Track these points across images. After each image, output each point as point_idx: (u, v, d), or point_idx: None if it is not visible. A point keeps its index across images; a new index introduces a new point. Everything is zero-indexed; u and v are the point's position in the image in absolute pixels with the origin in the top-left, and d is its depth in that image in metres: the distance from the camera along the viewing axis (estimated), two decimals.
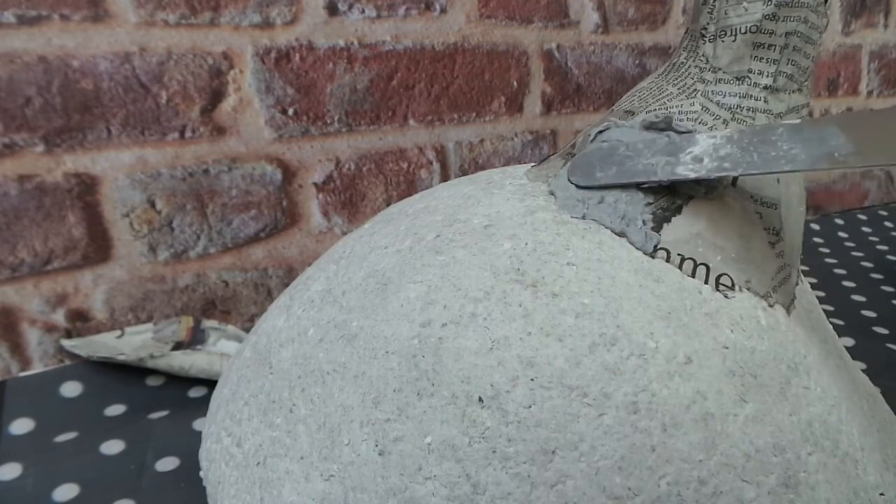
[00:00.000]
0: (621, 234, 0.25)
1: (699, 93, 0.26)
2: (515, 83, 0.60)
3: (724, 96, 0.25)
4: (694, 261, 0.24)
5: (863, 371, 0.40)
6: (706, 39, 0.26)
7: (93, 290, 0.47)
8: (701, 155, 0.23)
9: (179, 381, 0.42)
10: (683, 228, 0.24)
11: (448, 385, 0.22)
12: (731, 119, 0.25)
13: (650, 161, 0.24)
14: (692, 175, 0.23)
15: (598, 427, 0.21)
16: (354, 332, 0.25)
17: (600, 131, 0.27)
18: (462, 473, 0.21)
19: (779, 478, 0.21)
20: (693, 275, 0.24)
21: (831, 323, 0.45)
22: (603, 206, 0.25)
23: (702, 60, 0.26)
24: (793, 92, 0.26)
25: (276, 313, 0.30)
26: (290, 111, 0.51)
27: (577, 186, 0.26)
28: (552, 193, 0.27)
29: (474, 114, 0.59)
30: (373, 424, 0.22)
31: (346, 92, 0.53)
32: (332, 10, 0.51)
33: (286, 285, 0.54)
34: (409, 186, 0.58)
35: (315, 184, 0.53)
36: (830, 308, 0.51)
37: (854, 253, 0.63)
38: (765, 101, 0.25)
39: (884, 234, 0.69)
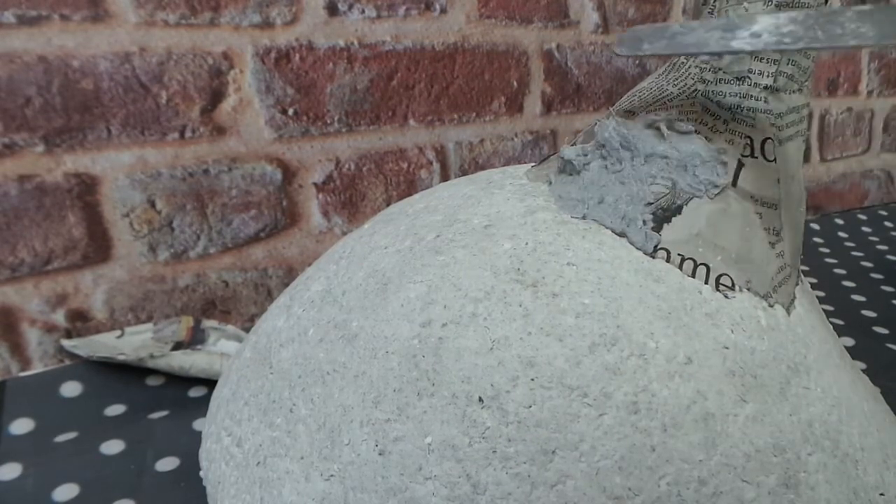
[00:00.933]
0: (622, 235, 0.25)
1: (699, 93, 0.26)
2: (515, 83, 0.60)
3: (725, 96, 0.25)
4: (694, 261, 0.24)
5: (863, 371, 0.40)
6: None
7: (93, 290, 0.47)
8: (760, 31, 0.22)
9: (179, 381, 0.41)
10: (684, 228, 0.24)
11: (448, 385, 0.22)
12: (732, 119, 0.25)
13: (704, 35, 0.23)
14: (748, 48, 0.22)
15: (598, 427, 0.21)
16: (354, 332, 0.25)
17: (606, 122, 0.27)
18: (462, 473, 0.21)
19: (779, 478, 0.21)
20: (693, 275, 0.24)
21: (831, 323, 0.45)
22: (603, 206, 0.25)
23: (702, 60, 0.26)
24: (793, 92, 0.26)
25: (276, 313, 0.30)
26: (290, 111, 0.51)
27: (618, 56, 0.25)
28: (557, 196, 0.27)
29: (474, 114, 0.59)
30: (373, 424, 0.22)
31: (346, 92, 0.53)
32: (332, 10, 0.51)
33: (286, 285, 0.54)
34: (409, 186, 0.58)
35: (315, 184, 0.53)
36: (830, 308, 0.51)
37: (854, 253, 0.63)
38: (765, 101, 0.25)
39: (884, 234, 0.69)
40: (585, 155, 0.27)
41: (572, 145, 0.29)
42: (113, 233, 0.47)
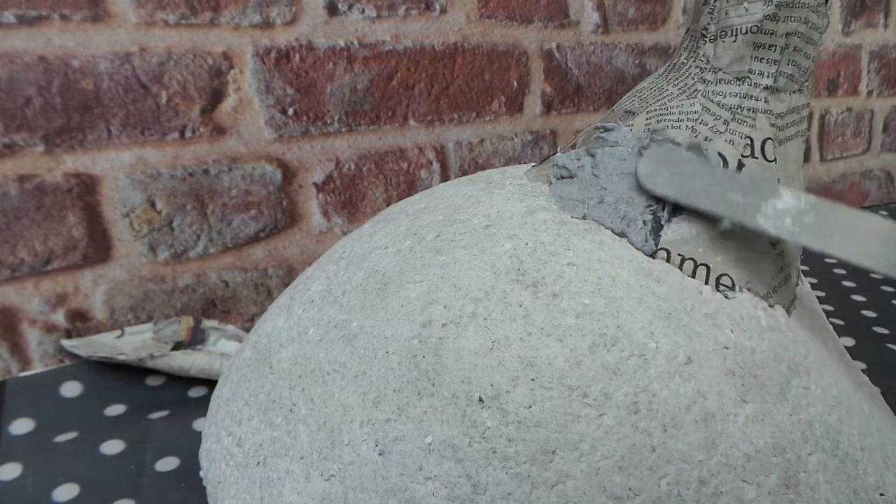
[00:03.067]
0: (622, 235, 0.25)
1: (700, 93, 0.26)
2: (515, 83, 0.60)
3: (725, 96, 0.25)
4: (694, 261, 0.24)
5: (863, 371, 0.40)
6: (707, 40, 0.26)
7: (93, 290, 0.47)
8: (783, 211, 0.23)
9: (179, 381, 0.41)
10: (684, 229, 0.24)
11: (448, 385, 0.22)
12: (732, 119, 0.25)
13: (730, 196, 0.24)
14: (772, 231, 0.23)
15: (598, 427, 0.21)
16: (355, 332, 0.25)
17: (606, 129, 0.27)
18: (462, 473, 0.21)
19: (779, 478, 0.21)
20: (693, 275, 0.24)
21: (831, 323, 0.45)
22: (603, 206, 0.25)
23: (702, 61, 0.26)
24: (793, 92, 0.26)
25: (276, 313, 0.30)
26: (290, 111, 0.51)
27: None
28: (557, 196, 0.27)
29: (474, 114, 0.59)
30: (373, 424, 0.22)
31: (346, 92, 0.53)
32: (332, 10, 0.51)
33: (286, 285, 0.54)
34: (409, 186, 0.58)
35: (315, 184, 0.53)
36: (830, 308, 0.51)
37: None
38: (765, 102, 0.25)
39: None
40: (579, 159, 0.27)
41: (572, 146, 0.29)
42: (113, 233, 0.47)
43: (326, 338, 0.25)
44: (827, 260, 0.61)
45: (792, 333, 0.25)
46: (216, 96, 0.49)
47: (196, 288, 0.51)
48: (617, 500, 0.20)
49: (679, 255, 0.24)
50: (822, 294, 0.53)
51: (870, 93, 0.83)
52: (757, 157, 0.25)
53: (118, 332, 0.46)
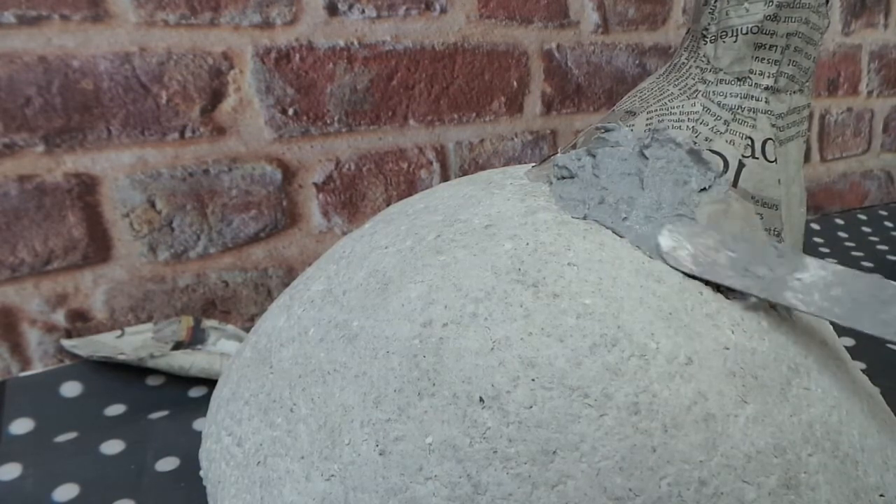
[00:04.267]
0: (622, 235, 0.25)
1: (700, 93, 0.26)
2: (515, 83, 0.60)
3: (726, 97, 0.25)
4: None
5: (863, 371, 0.40)
6: (707, 40, 0.26)
7: (93, 290, 0.47)
8: (811, 286, 0.22)
9: (179, 381, 0.41)
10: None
11: (449, 385, 0.22)
12: (732, 120, 0.25)
13: (755, 270, 0.23)
14: (802, 307, 0.22)
15: (598, 428, 0.21)
16: (355, 332, 0.25)
17: (606, 129, 0.27)
18: (463, 474, 0.21)
19: (779, 479, 0.21)
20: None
21: (831, 323, 0.45)
22: (604, 206, 0.25)
23: (703, 61, 0.26)
24: (794, 92, 0.26)
25: (277, 313, 0.30)
26: (290, 111, 0.51)
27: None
28: (558, 196, 0.27)
29: (474, 114, 0.59)
30: (373, 424, 0.22)
31: (346, 92, 0.53)
32: (332, 10, 0.51)
33: (286, 285, 0.54)
34: (409, 186, 0.58)
35: (315, 184, 0.53)
36: None
37: (854, 253, 0.63)
38: (766, 102, 0.25)
39: (884, 234, 0.69)
40: (579, 159, 0.27)
41: (573, 146, 0.29)
42: (113, 233, 0.47)
43: (327, 337, 0.25)
44: (827, 260, 0.61)
45: (792, 334, 0.25)
46: (216, 96, 0.49)
47: (196, 288, 0.51)
48: (617, 500, 0.20)
49: None
50: None
51: (870, 93, 0.83)
52: (757, 158, 0.25)
53: (118, 332, 0.46)
